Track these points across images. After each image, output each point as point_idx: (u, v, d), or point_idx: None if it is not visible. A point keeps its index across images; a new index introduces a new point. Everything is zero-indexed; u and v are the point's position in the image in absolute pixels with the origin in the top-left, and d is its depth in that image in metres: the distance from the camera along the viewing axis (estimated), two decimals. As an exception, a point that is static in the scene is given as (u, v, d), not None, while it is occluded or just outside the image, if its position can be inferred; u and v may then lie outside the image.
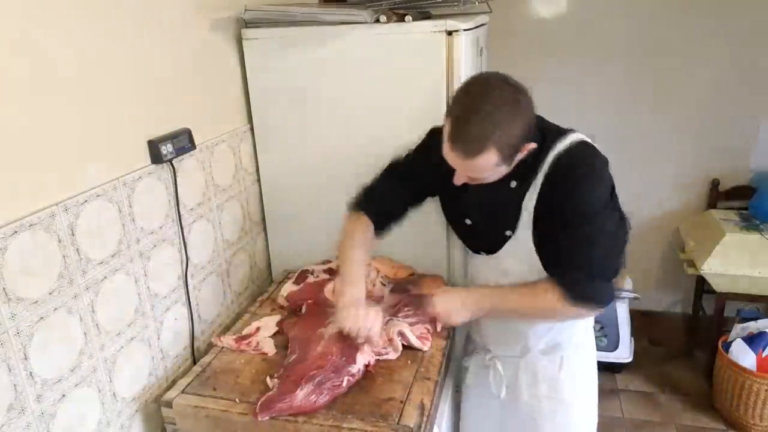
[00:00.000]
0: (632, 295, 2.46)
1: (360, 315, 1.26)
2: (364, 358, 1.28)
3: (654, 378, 2.56)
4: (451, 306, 1.34)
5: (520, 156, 1.15)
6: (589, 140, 1.22)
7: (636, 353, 2.54)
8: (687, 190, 2.70)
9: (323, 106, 1.69)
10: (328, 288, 1.59)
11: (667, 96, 2.57)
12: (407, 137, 1.42)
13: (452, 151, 1.12)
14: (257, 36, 1.66)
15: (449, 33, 1.52)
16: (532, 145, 1.15)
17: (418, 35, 1.55)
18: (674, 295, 2.90)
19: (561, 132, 1.22)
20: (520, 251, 1.30)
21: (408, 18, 1.56)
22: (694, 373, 2.57)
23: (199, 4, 1.50)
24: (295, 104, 1.70)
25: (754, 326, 2.24)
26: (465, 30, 1.54)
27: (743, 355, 2.17)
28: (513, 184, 1.24)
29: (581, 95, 2.64)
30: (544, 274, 1.28)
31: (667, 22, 2.46)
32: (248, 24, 1.68)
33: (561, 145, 1.19)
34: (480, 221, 1.35)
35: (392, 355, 1.34)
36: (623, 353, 2.48)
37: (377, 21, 1.57)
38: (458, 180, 1.21)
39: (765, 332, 2.18)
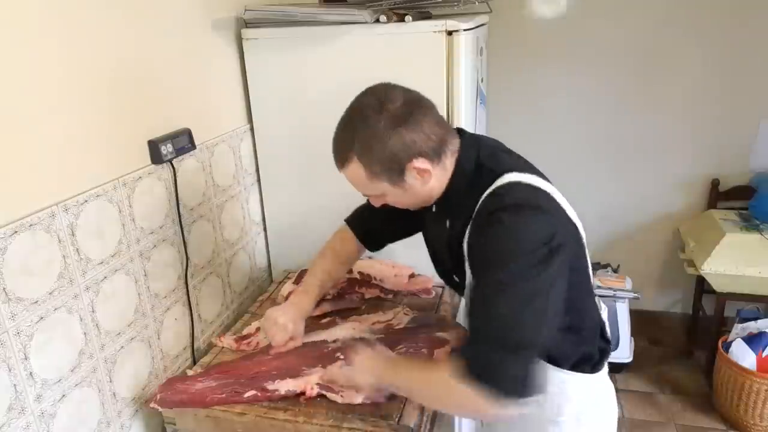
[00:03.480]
0: (632, 295, 2.46)
1: (277, 323, 1.28)
2: (295, 385, 1.22)
3: (654, 378, 2.55)
4: (367, 365, 1.13)
5: (411, 177, 1.00)
6: (531, 182, 1.00)
7: (636, 353, 2.53)
8: (687, 190, 2.70)
9: (323, 106, 1.68)
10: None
11: (668, 96, 2.56)
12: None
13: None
14: (257, 36, 1.66)
15: (449, 33, 1.53)
16: (424, 166, 0.98)
17: (418, 35, 1.55)
18: (674, 295, 2.90)
19: (497, 170, 1.01)
20: None
21: (408, 18, 1.56)
22: (694, 373, 2.56)
23: (199, 4, 1.50)
24: (295, 104, 1.70)
25: (754, 326, 2.24)
26: (465, 30, 1.54)
27: (743, 355, 2.17)
28: (447, 224, 1.10)
29: (581, 95, 2.64)
30: None
31: (667, 23, 2.46)
32: (248, 24, 1.68)
33: (495, 185, 0.99)
34: (438, 262, 1.22)
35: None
36: (623, 353, 2.47)
37: (377, 21, 1.57)
38: (374, 201, 1.11)
39: (765, 332, 2.18)
